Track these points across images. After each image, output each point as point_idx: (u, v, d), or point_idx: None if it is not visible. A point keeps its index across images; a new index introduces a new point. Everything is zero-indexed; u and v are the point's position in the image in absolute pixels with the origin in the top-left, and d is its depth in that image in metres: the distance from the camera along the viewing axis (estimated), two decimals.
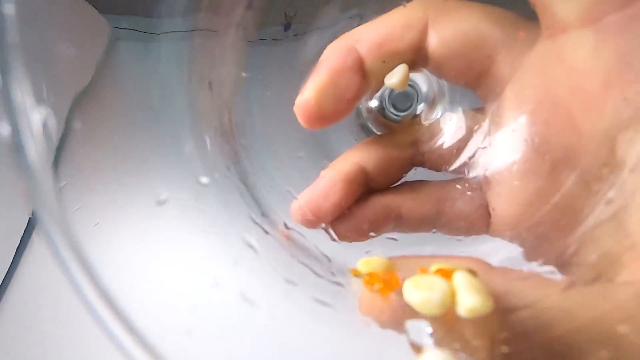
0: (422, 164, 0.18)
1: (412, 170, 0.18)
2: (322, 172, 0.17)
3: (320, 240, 0.18)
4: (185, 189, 0.17)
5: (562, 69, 0.13)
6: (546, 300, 0.11)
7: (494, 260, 0.13)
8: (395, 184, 0.18)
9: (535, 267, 0.14)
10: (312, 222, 0.17)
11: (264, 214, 0.18)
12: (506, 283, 0.12)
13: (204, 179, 0.17)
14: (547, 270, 0.14)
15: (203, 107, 0.18)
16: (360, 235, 0.18)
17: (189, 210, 0.17)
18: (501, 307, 0.11)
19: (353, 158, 0.17)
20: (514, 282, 0.12)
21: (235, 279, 0.15)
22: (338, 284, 0.16)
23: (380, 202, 0.18)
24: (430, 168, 0.18)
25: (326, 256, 0.18)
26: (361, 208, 0.18)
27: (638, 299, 0.10)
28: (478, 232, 0.17)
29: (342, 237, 0.18)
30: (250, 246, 0.16)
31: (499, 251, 0.16)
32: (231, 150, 0.19)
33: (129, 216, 0.19)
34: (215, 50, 0.19)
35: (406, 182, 0.18)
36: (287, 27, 0.25)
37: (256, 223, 0.18)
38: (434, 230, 0.18)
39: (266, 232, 0.18)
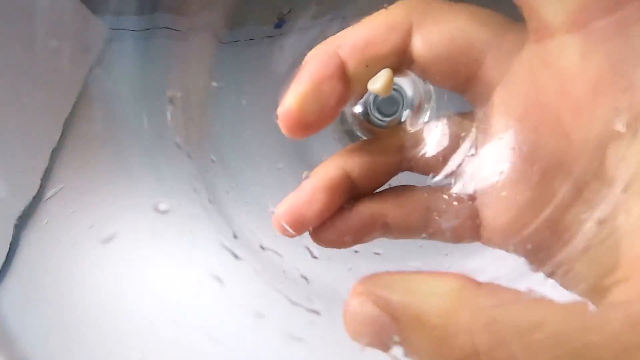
0: (409, 169, 0.18)
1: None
2: (305, 181, 0.17)
3: (299, 259, 0.17)
4: (141, 216, 0.15)
5: (550, 74, 0.13)
6: (538, 330, 0.11)
7: (483, 277, 0.13)
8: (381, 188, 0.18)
9: (531, 281, 0.14)
10: (294, 232, 0.17)
11: (236, 236, 0.17)
12: (494, 308, 0.11)
13: (163, 206, 0.16)
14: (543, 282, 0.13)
15: (163, 122, 0.17)
16: (345, 243, 0.17)
17: (144, 242, 0.15)
18: (486, 342, 0.10)
19: (337, 163, 0.17)
20: (502, 306, 0.12)
21: (197, 315, 0.14)
22: (315, 311, 0.15)
23: (366, 211, 0.17)
24: (418, 173, 0.18)
25: (304, 277, 0.17)
26: (346, 216, 0.17)
27: (629, 323, 0.10)
28: (469, 240, 0.17)
29: (326, 245, 0.17)
30: (217, 278, 0.15)
31: (487, 268, 0.15)
32: (199, 167, 0.18)
33: (75, 252, 0.17)
34: (181, 54, 0.18)
35: (392, 187, 0.18)
36: (279, 24, 0.24)
37: (225, 248, 0.17)
38: (423, 235, 0.17)
39: (237, 257, 0.17)
